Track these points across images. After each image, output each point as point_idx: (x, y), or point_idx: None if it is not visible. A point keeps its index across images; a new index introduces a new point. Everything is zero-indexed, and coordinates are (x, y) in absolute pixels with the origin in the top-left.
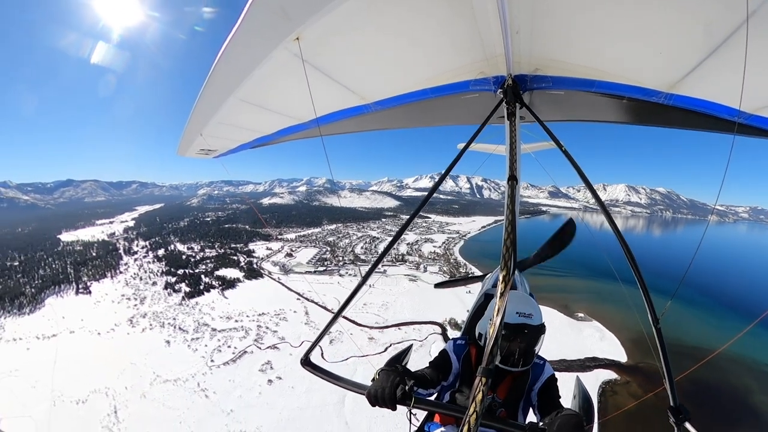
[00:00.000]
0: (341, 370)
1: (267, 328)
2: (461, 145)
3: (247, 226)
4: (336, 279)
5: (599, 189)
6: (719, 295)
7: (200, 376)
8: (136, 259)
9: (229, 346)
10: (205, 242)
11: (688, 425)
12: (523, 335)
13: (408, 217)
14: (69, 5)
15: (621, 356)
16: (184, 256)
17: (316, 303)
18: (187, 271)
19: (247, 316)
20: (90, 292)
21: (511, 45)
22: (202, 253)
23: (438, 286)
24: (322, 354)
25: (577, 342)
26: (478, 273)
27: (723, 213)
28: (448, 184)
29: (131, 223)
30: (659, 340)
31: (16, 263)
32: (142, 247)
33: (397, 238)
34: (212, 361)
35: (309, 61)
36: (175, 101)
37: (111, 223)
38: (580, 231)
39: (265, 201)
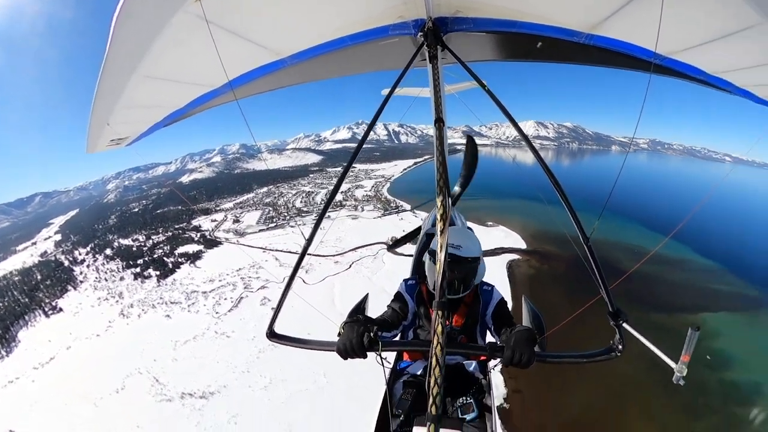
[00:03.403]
0: (321, 290)
1: (249, 277)
2: (385, 91)
3: (179, 207)
4: (289, 231)
5: (508, 127)
6: (636, 214)
7: (213, 326)
8: (88, 266)
9: (225, 299)
10: (147, 231)
11: (626, 325)
12: (457, 265)
13: (341, 168)
14: None
15: (522, 245)
16: (134, 248)
17: (281, 250)
18: (145, 259)
19: (228, 274)
20: (61, 309)
21: None
22: (150, 241)
23: (391, 248)
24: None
25: (487, 240)
26: (407, 206)
27: (625, 144)
28: None
29: (58, 237)
30: (591, 256)
31: None
32: (87, 254)
33: (337, 187)
34: (216, 313)
35: (214, 21)
36: (69, 94)
37: (34, 244)
38: (497, 164)
39: (184, 179)
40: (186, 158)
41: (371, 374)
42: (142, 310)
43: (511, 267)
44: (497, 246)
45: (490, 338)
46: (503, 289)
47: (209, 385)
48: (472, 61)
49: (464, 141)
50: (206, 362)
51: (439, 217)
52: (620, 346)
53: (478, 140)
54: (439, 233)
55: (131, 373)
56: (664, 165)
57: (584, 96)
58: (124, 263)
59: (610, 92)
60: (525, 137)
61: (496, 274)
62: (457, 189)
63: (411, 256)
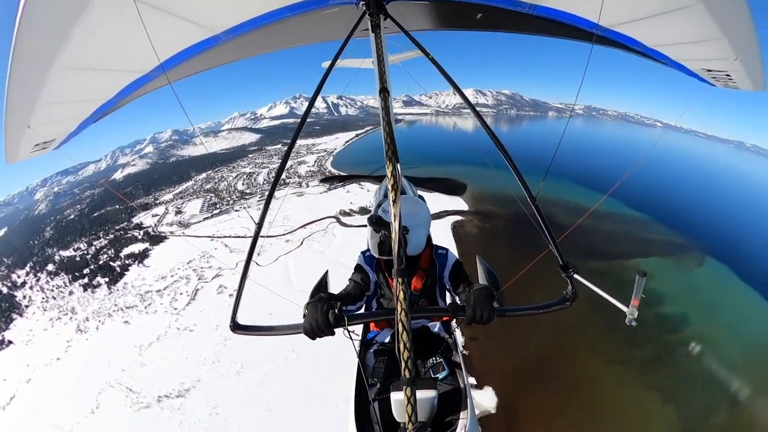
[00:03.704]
0: (276, 270)
1: (201, 268)
2: (326, 63)
3: (117, 206)
4: (234, 215)
5: (449, 95)
6: (574, 175)
7: (174, 323)
8: (31, 287)
9: (181, 294)
10: (88, 237)
11: (577, 276)
12: (387, 228)
13: (281, 145)
14: None
15: (464, 207)
16: (77, 258)
17: (229, 236)
18: (91, 267)
19: (179, 268)
20: (11, 342)
21: None
22: (93, 248)
23: (324, 181)
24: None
25: (432, 205)
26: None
27: (562, 110)
28: (305, 107)
29: None
30: (539, 214)
31: None
32: (27, 275)
33: (282, 166)
34: (175, 309)
35: None
36: None
37: None
38: (438, 132)
39: (118, 176)
40: (116, 152)
41: (336, 342)
42: (99, 321)
43: (455, 227)
44: (441, 210)
45: (450, 299)
46: (449, 248)
47: (183, 383)
48: (415, 31)
49: (406, 111)
50: (175, 361)
51: (390, 187)
52: (573, 296)
53: (417, 109)
54: (391, 203)
55: (103, 389)
56: (600, 129)
57: (522, 64)
58: (70, 276)
59: (548, 61)
60: (470, 104)
61: (441, 235)
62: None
63: (361, 227)
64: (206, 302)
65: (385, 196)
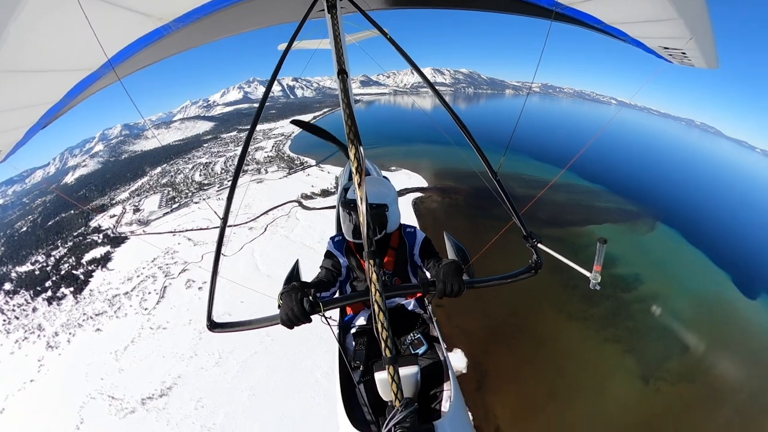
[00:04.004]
0: (242, 258)
1: (167, 264)
2: (283, 46)
3: (72, 211)
4: (194, 207)
5: (407, 74)
6: (532, 151)
7: (147, 324)
8: None
9: (149, 293)
10: (45, 248)
11: (540, 245)
12: (372, 211)
13: (237, 132)
14: None
15: (424, 184)
16: (36, 272)
17: (191, 229)
18: (53, 279)
19: (144, 268)
20: None
21: None
22: (51, 258)
23: (298, 122)
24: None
25: (393, 183)
26: (312, 162)
27: (518, 87)
28: (259, 91)
29: None
30: (501, 188)
31: None
32: None
33: (244, 153)
34: (145, 309)
35: None
36: None
37: None
38: (396, 111)
39: (69, 179)
40: (65, 154)
41: (311, 323)
42: (70, 333)
43: (416, 204)
44: (402, 187)
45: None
46: (411, 223)
47: (164, 381)
48: (372, 10)
49: (364, 91)
50: (153, 361)
51: (354, 169)
52: (538, 265)
53: (375, 89)
54: (356, 185)
55: (84, 402)
56: (556, 106)
57: (480, 43)
58: (31, 292)
59: (505, 39)
60: (429, 83)
61: (403, 212)
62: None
63: (324, 209)
64: (176, 298)
65: (350, 179)
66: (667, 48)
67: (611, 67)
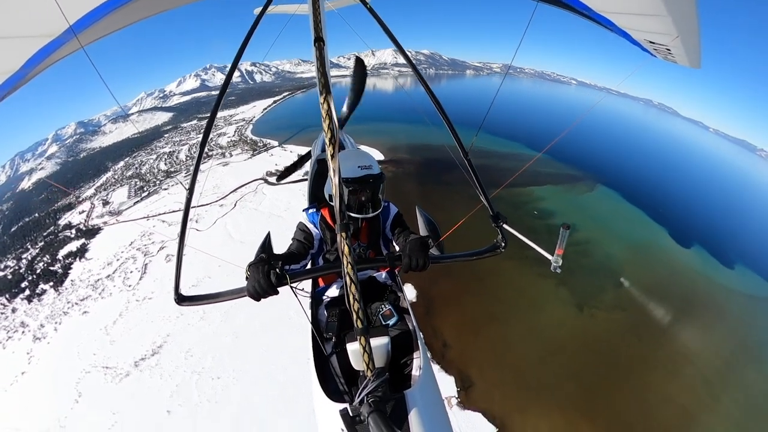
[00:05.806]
0: (215, 232)
1: (145, 245)
2: (258, 10)
3: (36, 214)
4: (164, 194)
5: (369, 55)
6: (508, 132)
7: (132, 298)
8: None
9: (131, 272)
10: (14, 252)
11: (506, 226)
12: (369, 184)
13: (197, 121)
14: None
15: (381, 157)
16: (9, 276)
17: (164, 213)
18: (29, 279)
19: (122, 252)
20: None
21: None
22: (23, 260)
23: (279, 180)
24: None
25: None
26: (274, 143)
27: (479, 68)
28: (217, 78)
29: None
30: (471, 168)
31: None
32: None
33: (205, 139)
34: (129, 286)
35: None
36: None
37: None
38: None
39: (25, 185)
40: (16, 160)
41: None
42: (56, 322)
43: None
44: None
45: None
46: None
47: (154, 342)
48: None
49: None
50: (143, 328)
51: (328, 141)
52: (503, 244)
53: (336, 71)
54: (329, 158)
55: (80, 378)
56: (517, 87)
57: (441, 24)
58: (7, 295)
59: (465, 20)
60: (406, 57)
61: None
62: (344, 111)
63: (293, 182)
64: (158, 272)
65: (323, 150)
66: (653, 43)
67: (572, 47)
